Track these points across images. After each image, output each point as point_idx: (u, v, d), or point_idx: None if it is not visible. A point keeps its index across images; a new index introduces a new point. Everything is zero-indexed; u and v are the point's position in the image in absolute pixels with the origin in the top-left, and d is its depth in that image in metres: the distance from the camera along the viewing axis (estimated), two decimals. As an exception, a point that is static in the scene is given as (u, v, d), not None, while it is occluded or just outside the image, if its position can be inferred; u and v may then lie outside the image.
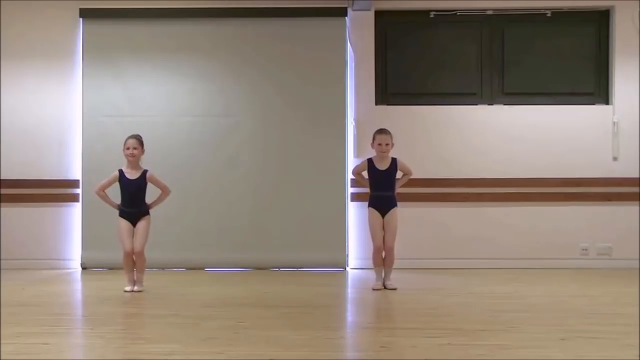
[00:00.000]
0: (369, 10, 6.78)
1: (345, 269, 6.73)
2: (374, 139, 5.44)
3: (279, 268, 6.72)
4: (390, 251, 5.37)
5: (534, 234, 6.77)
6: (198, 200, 6.79)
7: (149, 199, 5.38)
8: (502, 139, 6.84)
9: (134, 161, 5.29)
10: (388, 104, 6.93)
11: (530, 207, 6.80)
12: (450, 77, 6.97)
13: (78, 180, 6.82)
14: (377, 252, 5.41)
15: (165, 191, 5.42)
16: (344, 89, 6.82)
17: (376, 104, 6.88)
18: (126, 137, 5.33)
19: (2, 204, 6.82)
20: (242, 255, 6.73)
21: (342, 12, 6.84)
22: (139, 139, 5.32)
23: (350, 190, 6.76)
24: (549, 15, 6.96)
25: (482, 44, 6.99)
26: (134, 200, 5.28)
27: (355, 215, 6.74)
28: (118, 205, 5.33)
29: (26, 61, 6.89)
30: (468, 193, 6.80)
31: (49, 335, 3.72)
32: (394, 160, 5.43)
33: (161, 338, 3.65)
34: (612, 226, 6.75)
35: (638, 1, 6.77)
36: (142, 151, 5.34)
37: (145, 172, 5.34)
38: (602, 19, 6.96)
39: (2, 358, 3.19)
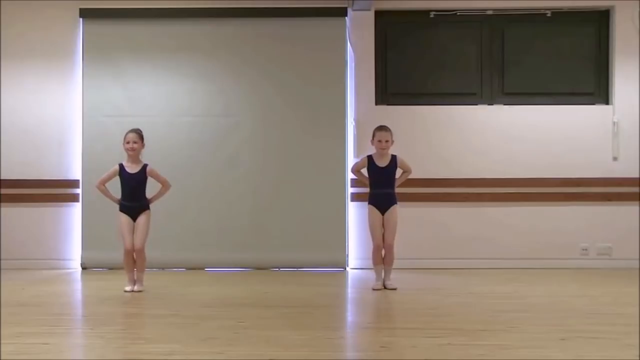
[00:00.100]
0: (369, 10, 6.78)
1: (345, 269, 6.73)
2: (373, 135, 5.44)
3: (279, 268, 6.72)
4: (390, 249, 5.37)
5: (534, 234, 6.77)
6: (198, 200, 6.79)
7: (149, 195, 5.38)
8: (502, 139, 6.84)
9: (134, 155, 5.29)
10: (388, 104, 6.93)
11: (530, 207, 6.80)
12: (450, 77, 6.98)
13: (78, 180, 6.82)
14: (376, 250, 5.41)
15: (165, 185, 5.42)
16: (344, 89, 6.82)
17: (376, 104, 6.88)
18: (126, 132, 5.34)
19: (2, 204, 6.82)
20: (242, 255, 6.73)
21: (342, 12, 6.84)
22: (139, 133, 5.32)
23: (350, 190, 6.76)
24: (549, 15, 6.96)
25: (482, 44, 6.99)
26: (134, 194, 5.27)
27: (355, 215, 6.74)
28: (118, 199, 5.33)
29: (26, 61, 6.90)
30: (468, 193, 6.80)
31: (49, 335, 3.72)
32: (393, 157, 5.43)
33: (161, 338, 3.65)
34: (612, 226, 6.75)
35: (638, 1, 6.77)
36: (142, 145, 5.34)
37: (145, 166, 5.34)
38: (602, 19, 6.96)
39: (2, 358, 3.19)
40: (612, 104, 6.86)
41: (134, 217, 5.27)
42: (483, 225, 6.78)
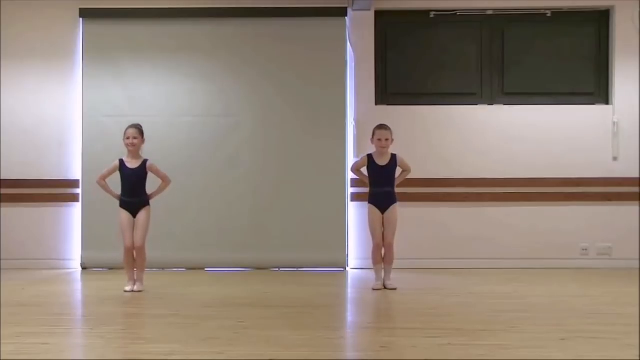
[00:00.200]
0: (369, 10, 6.78)
1: (345, 269, 6.73)
2: (373, 134, 5.44)
3: (279, 268, 6.72)
4: (390, 247, 5.37)
5: (534, 234, 6.77)
6: (198, 200, 6.80)
7: (149, 191, 5.37)
8: (502, 139, 6.84)
9: (134, 151, 5.29)
10: (388, 104, 6.93)
11: (530, 207, 6.80)
12: (450, 77, 6.98)
13: (78, 180, 6.82)
14: (376, 249, 5.41)
15: (165, 181, 5.42)
16: (344, 89, 6.82)
17: (376, 104, 6.88)
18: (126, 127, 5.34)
19: (2, 204, 6.82)
20: (242, 255, 6.73)
21: (342, 12, 6.84)
22: (139, 128, 5.32)
23: (350, 190, 6.76)
24: (549, 15, 6.96)
25: (482, 44, 6.99)
26: (134, 190, 5.27)
27: (355, 215, 6.74)
28: (118, 195, 5.32)
29: (26, 61, 6.90)
30: (468, 193, 6.80)
31: (49, 335, 3.72)
32: (393, 156, 5.43)
33: (161, 338, 3.65)
34: (612, 226, 6.75)
35: (638, 1, 6.77)
36: (143, 141, 5.34)
37: (145, 161, 5.34)
38: (602, 19, 6.97)
39: (2, 358, 3.19)
40: (612, 104, 6.86)
41: (134, 213, 5.27)
42: (483, 225, 6.78)
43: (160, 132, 6.73)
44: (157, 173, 5.40)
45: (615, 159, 6.80)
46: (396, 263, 5.52)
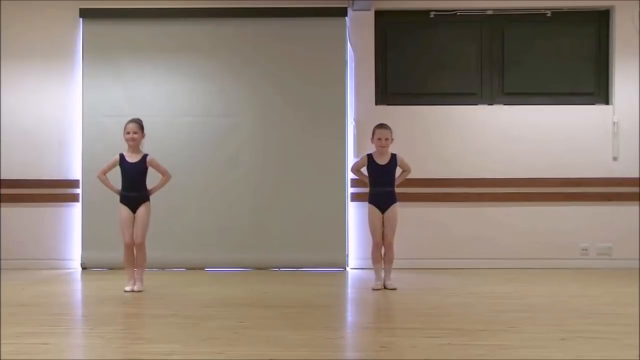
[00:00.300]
0: (369, 10, 6.78)
1: (345, 269, 6.73)
2: (373, 133, 5.44)
3: (279, 268, 6.72)
4: (389, 247, 5.37)
5: (534, 234, 6.77)
6: (198, 200, 6.80)
7: (149, 187, 5.37)
8: (502, 139, 6.84)
9: (134, 145, 5.29)
10: (388, 104, 6.93)
11: (530, 207, 6.80)
12: (450, 77, 6.98)
13: (78, 180, 6.82)
14: (376, 248, 5.41)
15: (166, 175, 5.41)
16: (344, 89, 6.82)
17: (376, 104, 6.88)
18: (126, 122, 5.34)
19: (2, 204, 6.82)
20: (242, 255, 6.73)
21: (342, 12, 6.84)
22: (139, 123, 5.32)
23: (350, 190, 6.76)
24: (549, 15, 6.96)
25: (482, 44, 6.99)
26: (134, 184, 5.27)
27: (355, 215, 6.74)
28: (118, 190, 5.32)
29: (26, 61, 6.89)
30: (468, 193, 6.80)
31: (49, 335, 3.72)
32: (393, 155, 5.43)
33: (161, 338, 3.65)
34: (612, 226, 6.75)
35: (638, 1, 6.77)
36: (143, 135, 5.34)
37: (145, 156, 5.34)
38: (602, 19, 6.97)
39: (2, 358, 3.19)
40: (612, 104, 6.86)
41: (134, 209, 5.26)
42: (483, 225, 6.78)
43: (160, 132, 6.73)
44: (157, 167, 5.40)
45: (615, 159, 6.80)
46: (396, 263, 5.52)
